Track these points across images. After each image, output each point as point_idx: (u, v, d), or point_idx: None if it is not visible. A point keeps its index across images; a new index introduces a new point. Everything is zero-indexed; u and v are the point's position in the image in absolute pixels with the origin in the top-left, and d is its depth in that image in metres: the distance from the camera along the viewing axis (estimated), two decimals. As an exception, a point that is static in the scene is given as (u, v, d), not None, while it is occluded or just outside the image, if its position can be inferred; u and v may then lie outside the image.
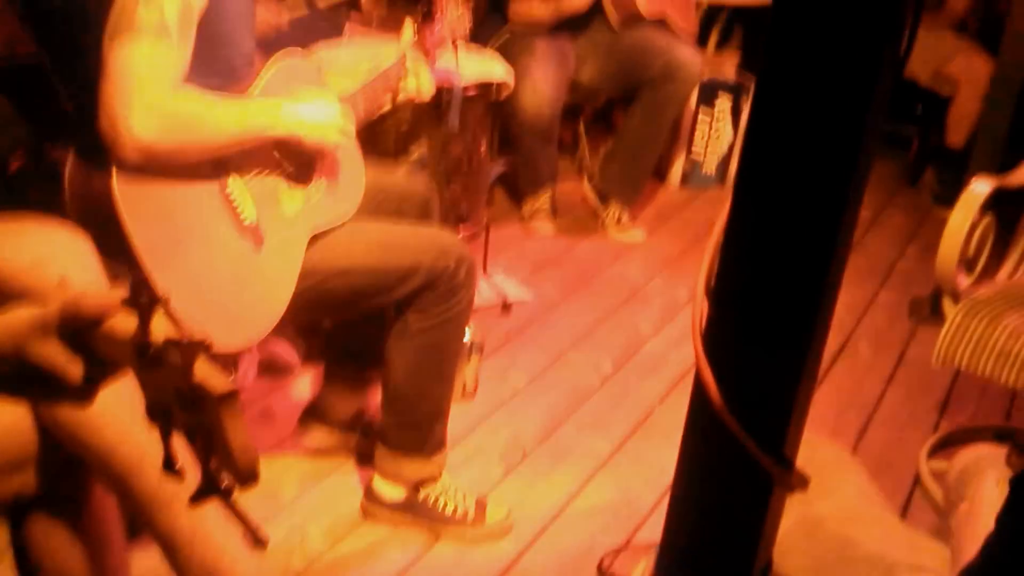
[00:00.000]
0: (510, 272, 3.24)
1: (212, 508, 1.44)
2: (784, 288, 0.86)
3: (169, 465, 0.88)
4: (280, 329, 1.95)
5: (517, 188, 3.64)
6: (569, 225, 3.66)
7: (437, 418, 2.11)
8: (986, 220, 2.25)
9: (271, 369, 2.63)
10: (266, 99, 1.78)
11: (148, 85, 1.55)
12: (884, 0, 0.79)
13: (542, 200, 3.60)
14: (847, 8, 0.80)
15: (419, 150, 2.77)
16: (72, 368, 0.96)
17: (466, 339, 2.46)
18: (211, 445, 0.84)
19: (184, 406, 0.85)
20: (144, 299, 0.88)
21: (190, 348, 0.83)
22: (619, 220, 3.63)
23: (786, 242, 0.84)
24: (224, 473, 0.86)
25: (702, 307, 0.94)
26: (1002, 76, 3.36)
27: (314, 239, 1.93)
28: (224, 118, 1.67)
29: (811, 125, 0.83)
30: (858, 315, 3.23)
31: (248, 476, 0.85)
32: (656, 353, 2.94)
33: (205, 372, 0.84)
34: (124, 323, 0.92)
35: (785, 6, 0.83)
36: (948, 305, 2.26)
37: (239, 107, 1.72)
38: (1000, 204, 2.32)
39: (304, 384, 2.58)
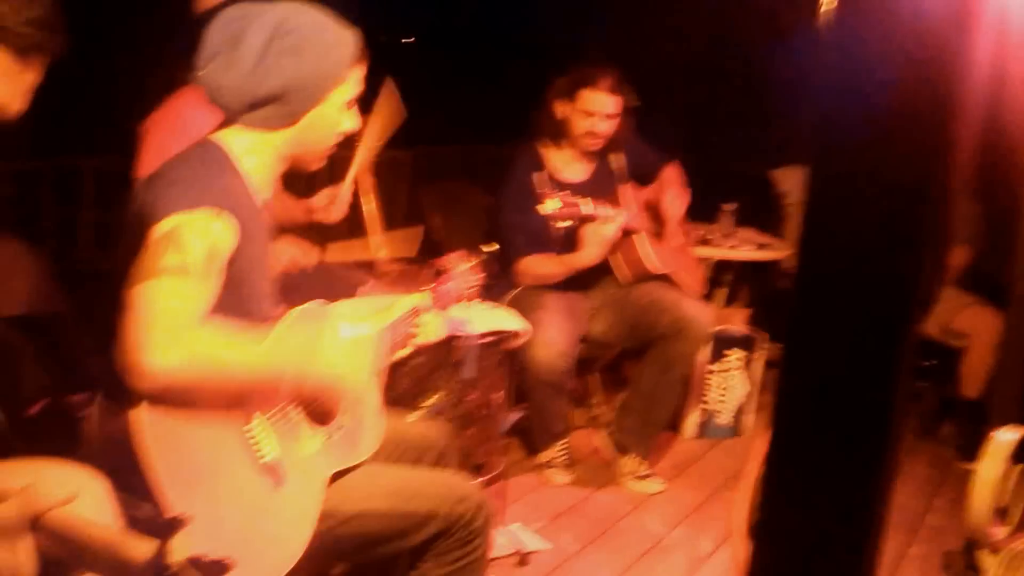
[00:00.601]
0: (526, 522, 3.15)
1: None
2: (831, 523, 0.82)
3: None
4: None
5: (532, 438, 3.60)
6: (585, 475, 3.59)
7: (455, 674, 1.99)
8: (1018, 469, 2.19)
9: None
10: (296, 349, 1.79)
11: (169, 316, 1.56)
12: (904, 272, 0.81)
13: (557, 450, 3.55)
14: (869, 281, 0.81)
15: (435, 397, 2.77)
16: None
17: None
18: None
19: None
20: (164, 519, 0.84)
21: (214, 567, 0.78)
22: (636, 470, 3.57)
23: (830, 476, 0.81)
24: None
25: (744, 548, 0.89)
26: (1015, 331, 3.38)
27: (332, 480, 1.90)
28: (248, 358, 1.67)
29: (842, 375, 0.82)
30: (890, 571, 3.09)
31: None
32: (681, 608, 2.80)
33: None
34: (142, 548, 0.88)
35: (808, 286, 0.85)
36: (985, 558, 2.16)
37: (264, 351, 1.72)
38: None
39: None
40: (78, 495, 1.43)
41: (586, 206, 3.20)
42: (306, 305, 1.89)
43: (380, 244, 3.49)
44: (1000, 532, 2.17)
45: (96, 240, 3.82)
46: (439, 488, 1.99)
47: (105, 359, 1.71)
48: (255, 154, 1.84)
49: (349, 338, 1.90)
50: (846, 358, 0.80)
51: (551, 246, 3.38)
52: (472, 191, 4.45)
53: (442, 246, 4.04)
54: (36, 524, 0.96)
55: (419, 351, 2.24)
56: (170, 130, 2.73)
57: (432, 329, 2.15)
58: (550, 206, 3.08)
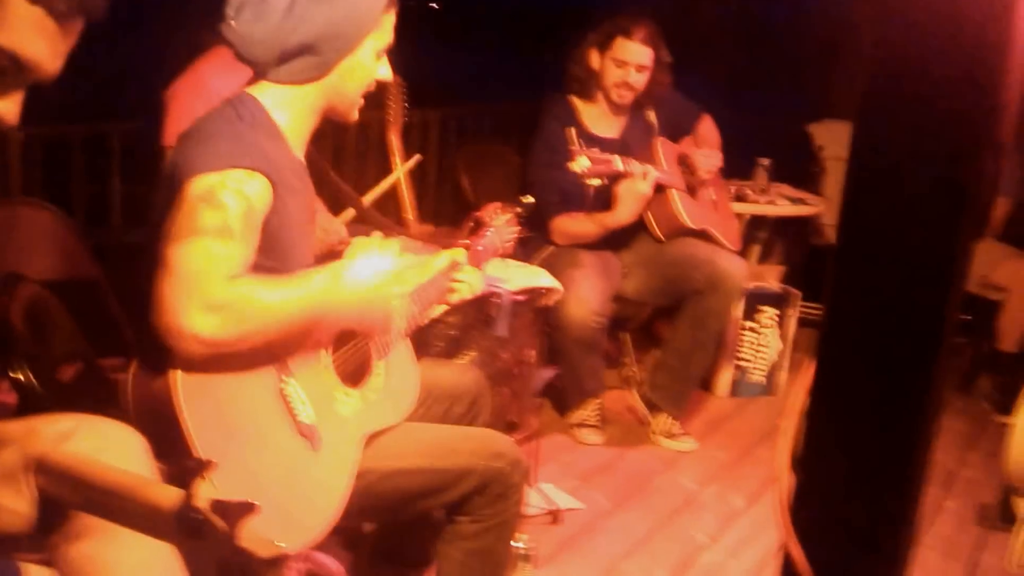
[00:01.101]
0: (559, 481, 3.16)
1: None
2: (878, 455, 0.81)
3: None
4: (326, 537, 1.89)
5: (564, 398, 3.60)
6: (617, 434, 3.60)
7: (488, 628, 2.01)
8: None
9: (314, 582, 2.53)
10: (327, 277, 1.74)
11: (206, 278, 1.55)
12: (951, 225, 0.79)
13: (589, 410, 3.55)
14: (916, 230, 0.80)
15: (468, 357, 2.77)
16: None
17: (519, 547, 2.38)
18: None
19: (228, 574, 0.79)
20: (189, 463, 0.84)
21: (237, 509, 0.78)
22: (669, 429, 3.57)
23: (877, 402, 0.80)
24: None
25: (788, 482, 0.88)
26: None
27: (368, 440, 1.91)
28: (284, 298, 1.64)
29: (891, 304, 0.80)
30: (926, 524, 3.08)
31: None
32: (714, 563, 2.81)
33: (251, 537, 0.79)
34: (166, 493, 0.88)
35: (855, 233, 0.83)
36: (1019, 505, 2.15)
37: (298, 285, 1.69)
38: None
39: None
40: (107, 443, 1.45)
41: (618, 163, 3.17)
42: (356, 248, 1.88)
43: (411, 205, 3.49)
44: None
45: (124, 206, 3.84)
46: (474, 444, 1.99)
47: (140, 322, 1.72)
48: (288, 108, 1.80)
49: (387, 283, 1.83)
50: (893, 303, 0.79)
51: (584, 204, 3.35)
52: (504, 150, 4.43)
53: (475, 207, 4.04)
54: (43, 467, 0.96)
55: (454, 308, 2.22)
56: (196, 96, 2.73)
57: (471, 284, 2.12)
58: (579, 164, 3.05)
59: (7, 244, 2.76)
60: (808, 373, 0.87)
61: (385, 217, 3.31)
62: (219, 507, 0.81)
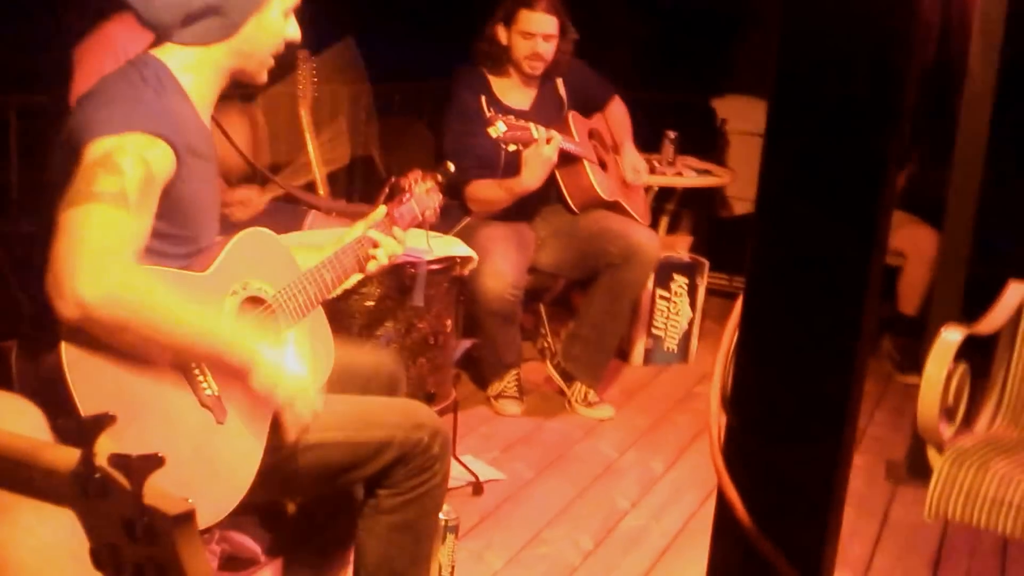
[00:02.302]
0: (479, 453, 3.17)
1: None
2: (809, 384, 0.83)
3: None
4: (242, 517, 1.84)
5: (482, 370, 3.60)
6: (536, 404, 3.61)
7: (414, 603, 1.99)
8: (961, 368, 2.25)
9: (233, 563, 2.49)
10: (245, 332, 1.70)
11: (100, 246, 1.48)
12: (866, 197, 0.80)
13: (508, 381, 3.56)
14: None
15: (384, 327, 2.74)
16: None
17: (443, 519, 2.36)
18: None
19: (133, 537, 0.74)
20: (86, 419, 0.79)
21: (141, 463, 0.74)
22: (586, 398, 3.60)
23: (807, 333, 0.82)
24: None
25: (719, 421, 0.89)
26: (950, 248, 3.46)
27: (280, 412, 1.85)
28: (182, 314, 1.58)
29: (817, 244, 0.81)
30: (835, 482, 3.17)
31: None
32: (636, 527, 2.84)
33: (156, 493, 0.74)
34: (63, 454, 0.83)
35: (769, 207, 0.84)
36: (933, 456, 2.22)
37: (207, 315, 1.64)
38: (968, 355, 2.34)
39: None
40: (16, 424, 1.39)
41: (534, 130, 3.17)
42: (252, 229, 1.83)
43: (322, 180, 3.44)
44: (947, 431, 2.24)
45: (21, 183, 3.70)
46: (394, 415, 1.95)
47: (27, 295, 1.65)
48: (194, 71, 1.75)
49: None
50: (818, 243, 0.80)
51: (497, 171, 3.34)
52: (417, 125, 4.39)
53: (388, 181, 4.00)
54: None
55: (370, 277, 2.18)
56: (104, 56, 2.63)
57: (388, 251, 2.07)
58: (496, 129, 3.04)
59: None
60: (735, 313, 0.88)
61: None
62: (120, 462, 0.75)
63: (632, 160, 3.77)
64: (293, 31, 1.84)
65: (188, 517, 0.74)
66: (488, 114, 3.27)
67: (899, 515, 2.97)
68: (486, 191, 3.37)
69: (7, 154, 3.65)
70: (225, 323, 1.70)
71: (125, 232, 1.53)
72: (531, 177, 3.25)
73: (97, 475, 0.76)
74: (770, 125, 0.81)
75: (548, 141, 3.20)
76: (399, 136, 4.23)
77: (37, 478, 0.84)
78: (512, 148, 3.13)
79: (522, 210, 3.49)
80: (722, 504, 0.88)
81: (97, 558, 0.78)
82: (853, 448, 0.88)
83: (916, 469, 3.05)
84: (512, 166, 3.28)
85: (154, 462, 0.75)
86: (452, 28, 4.07)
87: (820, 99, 0.82)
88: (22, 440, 0.88)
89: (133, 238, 1.55)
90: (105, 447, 0.78)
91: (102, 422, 0.79)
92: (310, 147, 3.43)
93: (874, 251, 0.81)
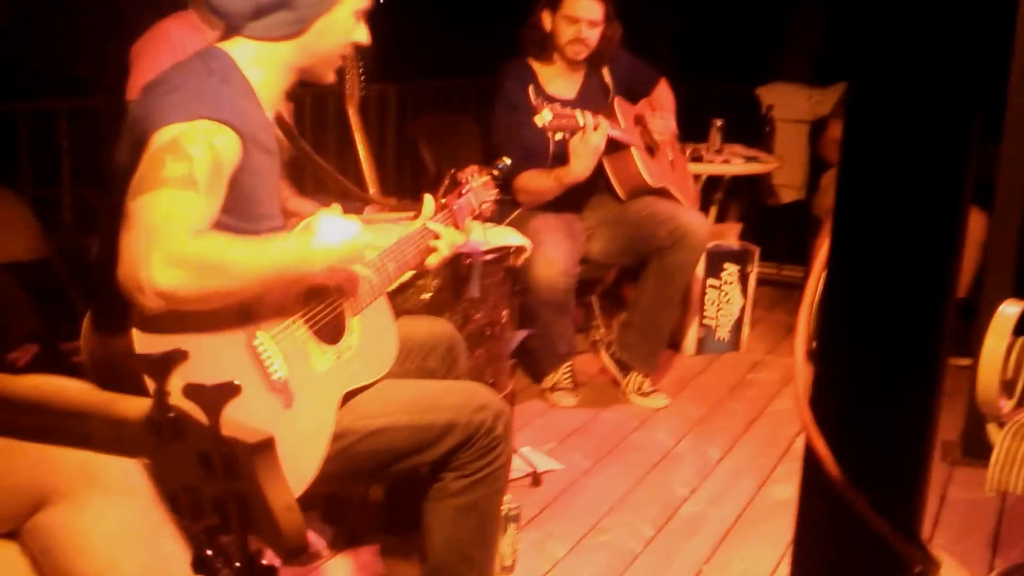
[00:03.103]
0: (536, 444, 3.17)
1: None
2: (898, 334, 0.82)
3: (202, 566, 0.75)
4: (306, 511, 1.84)
5: (536, 362, 3.61)
6: (590, 396, 3.61)
7: (482, 586, 2.01)
8: (1020, 342, 2.22)
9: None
10: (293, 239, 1.73)
11: (169, 231, 1.49)
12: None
13: (562, 372, 3.57)
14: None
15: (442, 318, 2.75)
16: None
17: (505, 508, 2.37)
18: (248, 515, 0.72)
19: (211, 472, 0.73)
20: (155, 357, 0.78)
21: (216, 392, 0.73)
22: (641, 387, 3.59)
23: (895, 283, 0.81)
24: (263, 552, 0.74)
25: (805, 374, 0.89)
26: (1000, 230, 3.41)
27: (346, 398, 1.87)
28: (251, 260, 1.60)
29: (905, 192, 0.80)
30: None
31: (295, 546, 0.74)
32: (696, 513, 2.84)
33: (232, 425, 0.73)
34: (133, 403, 0.83)
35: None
36: (993, 431, 2.19)
37: (266, 248, 1.65)
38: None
39: (332, 570, 2.45)
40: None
41: (580, 117, 3.16)
42: (320, 213, 1.85)
43: (372, 179, 3.46)
44: (1007, 405, 2.20)
45: (73, 185, 3.76)
46: (457, 398, 1.96)
47: (99, 279, 1.66)
48: (261, 66, 1.76)
49: (345, 221, 1.80)
50: (907, 190, 0.79)
51: (545, 161, 3.34)
52: (463, 120, 4.41)
53: (437, 177, 4.02)
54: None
55: (431, 271, 2.18)
56: (161, 52, 2.67)
57: (448, 244, 2.07)
58: (542, 118, 3.02)
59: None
60: (821, 260, 0.88)
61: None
62: (195, 391, 0.74)
63: (660, 121, 3.71)
64: (362, 34, 1.85)
65: (268, 445, 0.73)
66: (537, 100, 3.28)
67: (956, 495, 2.94)
68: (535, 181, 3.37)
69: (58, 155, 3.72)
70: (284, 244, 1.70)
71: (194, 213, 1.54)
72: (580, 166, 3.24)
73: (171, 414, 0.75)
74: (854, 87, 0.81)
75: (595, 128, 3.19)
76: (446, 132, 4.25)
77: (109, 430, 0.83)
78: (559, 137, 3.11)
79: (571, 201, 3.49)
80: (810, 460, 0.87)
81: (175, 504, 0.78)
82: (942, 399, 0.88)
83: (972, 449, 3.02)
84: (560, 156, 3.28)
85: (229, 390, 0.74)
86: (498, 26, 4.09)
87: (902, 70, 0.80)
88: (92, 394, 0.88)
89: (201, 217, 1.56)
90: (177, 385, 0.78)
91: (173, 359, 0.78)
92: (359, 145, 3.45)
93: (962, 202, 0.81)
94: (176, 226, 1.51)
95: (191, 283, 1.50)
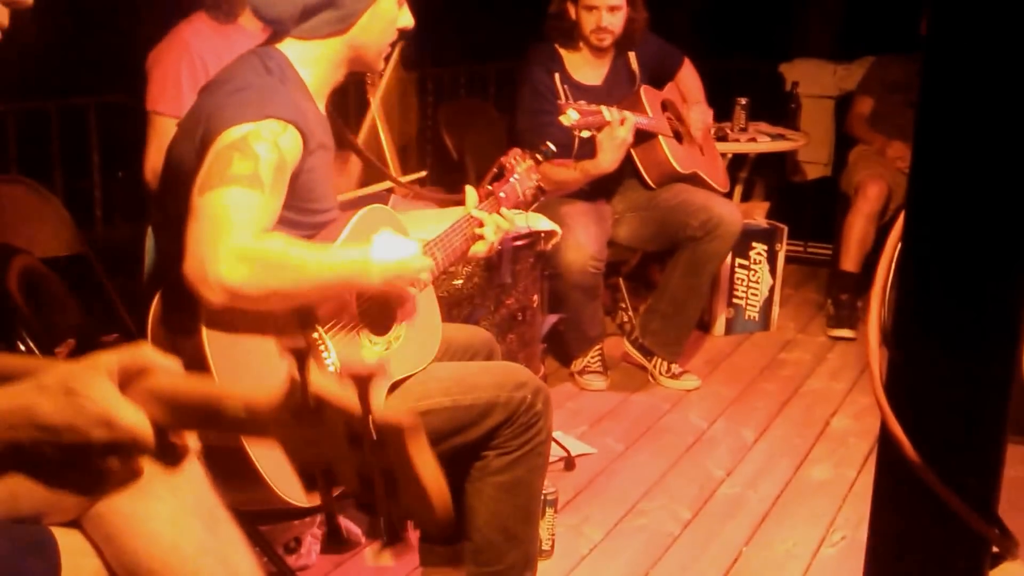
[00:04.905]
0: (568, 428, 3.16)
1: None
2: (974, 317, 0.80)
3: (336, 536, 0.78)
4: (343, 499, 1.85)
5: (566, 345, 3.60)
6: (620, 379, 3.60)
7: (527, 566, 2.00)
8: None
9: (335, 544, 2.51)
10: (354, 248, 1.75)
11: (237, 228, 1.53)
12: None
13: (592, 356, 3.56)
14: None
15: (473, 305, 2.74)
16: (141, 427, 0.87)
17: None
18: (395, 487, 0.74)
19: (361, 447, 0.75)
20: (297, 346, 0.80)
21: (367, 374, 0.74)
22: (669, 370, 3.57)
23: (972, 264, 0.79)
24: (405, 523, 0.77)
25: (880, 357, 0.87)
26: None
27: (391, 387, 1.88)
28: (312, 265, 1.64)
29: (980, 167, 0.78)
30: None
31: (445, 517, 0.75)
32: (733, 495, 2.82)
33: (379, 406, 0.75)
34: (261, 390, 0.84)
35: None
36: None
37: (327, 255, 1.69)
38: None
39: (370, 559, 2.45)
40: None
41: (606, 113, 3.11)
42: (375, 205, 1.87)
43: (396, 168, 3.45)
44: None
45: (103, 182, 3.78)
46: (496, 377, 1.97)
47: (164, 275, 1.69)
48: (313, 64, 1.79)
49: (406, 240, 1.84)
50: (981, 167, 0.77)
51: (571, 151, 3.30)
52: (485, 106, 4.39)
53: (460, 164, 4.00)
54: (153, 394, 0.90)
55: (477, 258, 2.17)
56: (179, 58, 2.68)
57: (495, 231, 2.06)
58: (568, 118, 2.96)
59: (-7, 219, 2.70)
60: (893, 245, 0.86)
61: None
62: (352, 372, 0.76)
63: (697, 115, 3.69)
64: (406, 19, 1.86)
65: (419, 427, 0.75)
66: (562, 92, 3.25)
67: (1010, 474, 2.90)
68: (561, 173, 3.31)
69: (89, 152, 3.73)
70: (346, 253, 1.73)
71: (260, 212, 1.58)
72: (607, 160, 3.20)
73: (312, 403, 0.77)
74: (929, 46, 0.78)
75: (622, 123, 3.15)
76: (467, 117, 4.23)
77: (233, 416, 0.85)
78: (586, 135, 3.06)
79: (598, 186, 3.46)
80: (886, 442, 0.86)
81: (310, 481, 0.79)
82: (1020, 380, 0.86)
83: (1020, 427, 2.98)
84: (587, 145, 3.24)
85: (379, 371, 0.76)
86: (515, 10, 4.06)
87: (981, 47, 0.77)
88: (208, 385, 0.89)
89: (266, 216, 1.60)
90: (315, 374, 0.80)
91: (313, 350, 0.81)
92: (382, 135, 3.44)
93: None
94: (244, 223, 1.54)
95: (256, 279, 1.54)
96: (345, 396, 0.77)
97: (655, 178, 3.52)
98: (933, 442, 0.84)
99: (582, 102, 3.11)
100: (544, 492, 2.40)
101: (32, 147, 3.64)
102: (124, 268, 2.70)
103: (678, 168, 3.48)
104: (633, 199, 3.58)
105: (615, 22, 3.40)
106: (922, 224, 0.81)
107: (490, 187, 2.13)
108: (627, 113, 3.21)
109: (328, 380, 0.79)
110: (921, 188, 0.81)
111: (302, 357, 0.79)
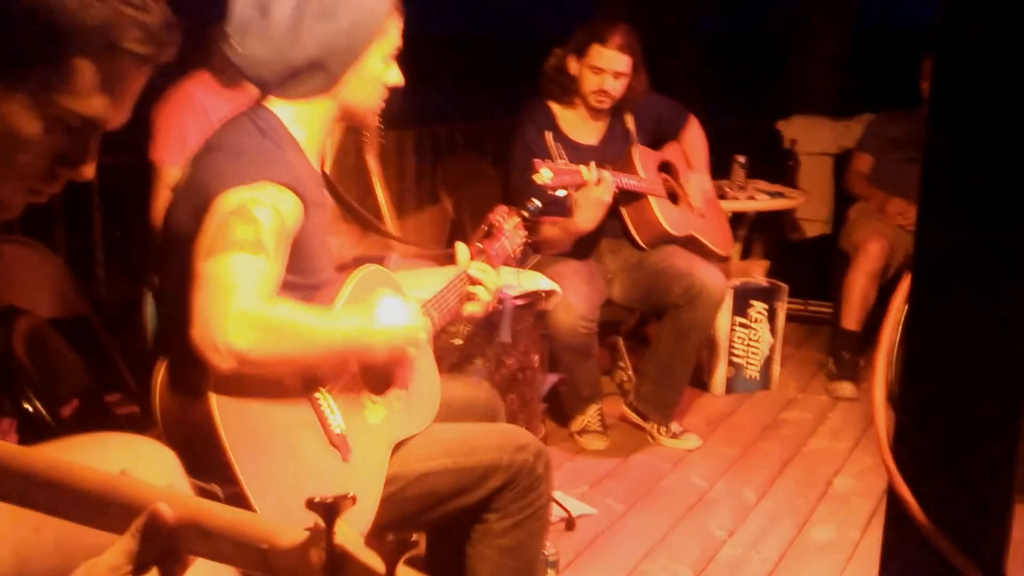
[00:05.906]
0: (568, 488, 3.13)
1: None
2: (981, 378, 0.79)
3: None
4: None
5: (564, 406, 3.57)
6: (621, 438, 3.57)
7: (529, 629, 1.97)
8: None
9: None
10: (359, 316, 1.74)
11: (244, 293, 1.52)
12: None
13: (590, 415, 3.53)
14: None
15: (474, 365, 2.74)
16: None
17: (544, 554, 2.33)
18: None
19: None
20: (327, 503, 0.77)
21: (398, 546, 0.71)
22: (669, 430, 3.54)
23: (979, 325, 0.79)
24: None
25: (887, 419, 0.86)
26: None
27: (394, 447, 1.87)
28: (320, 331, 1.64)
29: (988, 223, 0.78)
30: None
31: None
32: (736, 555, 2.78)
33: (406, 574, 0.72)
34: (287, 535, 0.81)
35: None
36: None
37: (334, 322, 1.69)
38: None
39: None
40: (139, 459, 1.38)
41: (584, 172, 3.08)
42: (368, 269, 1.86)
43: (394, 226, 3.46)
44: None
45: (106, 240, 3.79)
46: (497, 439, 1.96)
47: (169, 341, 1.68)
48: (304, 124, 1.79)
49: (406, 304, 1.83)
50: (988, 223, 0.77)
51: (564, 209, 3.28)
52: (482, 164, 4.41)
53: (458, 222, 4.02)
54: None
55: (472, 318, 2.16)
56: (184, 112, 2.70)
57: (489, 289, 2.05)
58: (542, 176, 2.92)
59: (-3, 280, 2.70)
60: (899, 306, 0.85)
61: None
62: (385, 541, 0.73)
63: (695, 184, 3.69)
64: (395, 76, 1.86)
65: None
66: (554, 150, 3.24)
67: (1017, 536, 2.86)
68: (546, 231, 3.30)
69: (90, 214, 3.74)
70: (352, 319, 1.73)
71: (266, 277, 1.57)
72: (583, 218, 3.18)
73: (335, 558, 0.74)
74: (934, 100, 0.79)
75: (597, 183, 3.11)
76: (464, 175, 4.25)
77: (253, 554, 0.80)
78: (562, 193, 3.02)
79: (590, 245, 3.46)
80: (893, 503, 0.84)
81: None
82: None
83: None
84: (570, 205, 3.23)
85: (407, 546, 0.72)
86: (513, 72, 4.10)
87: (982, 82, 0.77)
88: (250, 519, 0.84)
89: (272, 283, 1.59)
90: (344, 531, 0.77)
91: (341, 505, 0.78)
92: (379, 193, 3.45)
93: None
94: (250, 288, 1.54)
95: (265, 345, 1.53)
96: (370, 555, 0.74)
97: (646, 239, 3.51)
98: (940, 504, 0.83)
99: (560, 160, 3.10)
100: (545, 553, 2.37)
101: (34, 205, 3.64)
102: (125, 325, 2.70)
103: (670, 230, 3.46)
104: (626, 258, 3.56)
105: (617, 87, 3.40)
106: (928, 286, 0.81)
107: (480, 245, 2.13)
108: (605, 173, 3.16)
109: (355, 537, 0.76)
110: (927, 250, 0.81)
111: (331, 512, 0.76)
